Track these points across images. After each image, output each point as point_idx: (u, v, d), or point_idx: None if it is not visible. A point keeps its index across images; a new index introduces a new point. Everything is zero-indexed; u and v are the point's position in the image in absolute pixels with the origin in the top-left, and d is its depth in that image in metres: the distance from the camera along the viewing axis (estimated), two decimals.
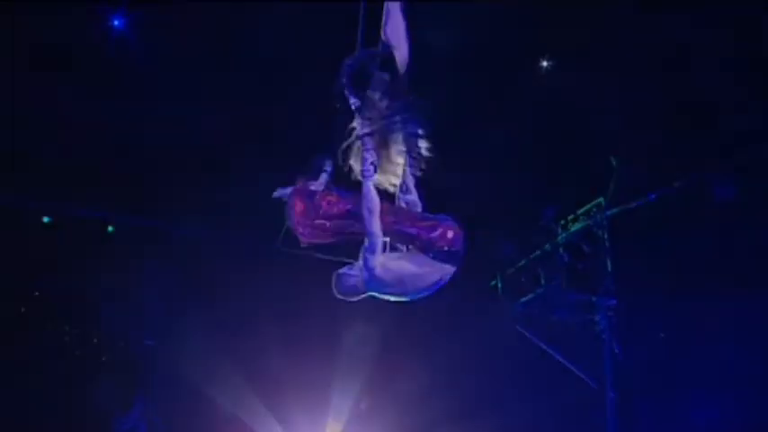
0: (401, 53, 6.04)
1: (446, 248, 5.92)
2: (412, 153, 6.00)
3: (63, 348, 11.10)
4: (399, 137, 5.94)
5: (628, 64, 9.87)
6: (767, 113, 9.72)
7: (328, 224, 5.96)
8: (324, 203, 5.93)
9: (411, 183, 6.12)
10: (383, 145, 5.89)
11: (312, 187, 5.99)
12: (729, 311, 10.09)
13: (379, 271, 5.84)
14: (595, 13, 9.57)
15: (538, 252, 10.82)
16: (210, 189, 10.42)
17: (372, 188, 5.79)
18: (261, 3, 9.29)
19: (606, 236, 10.41)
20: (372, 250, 5.80)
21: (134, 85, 9.76)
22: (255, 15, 9.43)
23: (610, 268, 10.38)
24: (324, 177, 6.00)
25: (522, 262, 10.96)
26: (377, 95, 5.88)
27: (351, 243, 6.06)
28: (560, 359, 10.82)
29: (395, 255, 5.97)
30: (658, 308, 10.62)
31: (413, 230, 5.93)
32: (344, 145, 5.91)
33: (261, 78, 9.82)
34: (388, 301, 6.16)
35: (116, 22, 9.51)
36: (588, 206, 10.53)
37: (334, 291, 6.13)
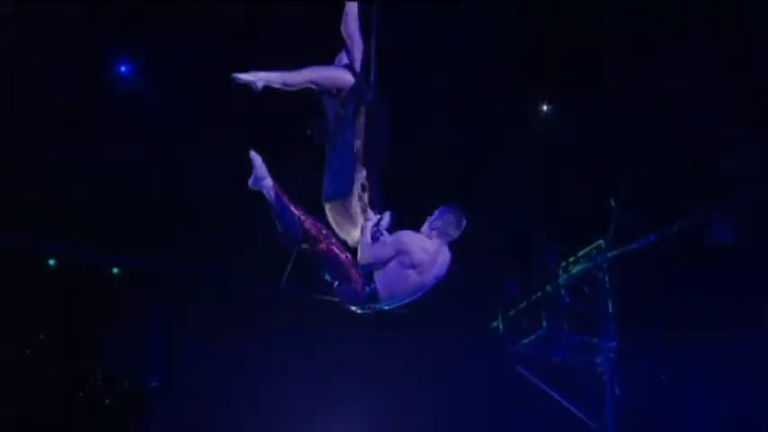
0: (357, 50, 6.04)
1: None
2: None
3: (67, 389, 11.10)
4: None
5: (628, 106, 9.98)
6: (765, 156, 9.83)
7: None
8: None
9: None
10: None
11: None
12: (731, 352, 10.12)
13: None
14: (595, 55, 9.68)
15: (539, 293, 10.86)
16: (214, 230, 10.49)
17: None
18: (265, 46, 9.42)
19: (607, 278, 10.46)
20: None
21: (140, 128, 9.87)
22: (261, 58, 9.53)
23: (611, 310, 10.41)
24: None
25: (524, 303, 11.00)
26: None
27: None
28: (562, 400, 10.83)
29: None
30: (660, 349, 10.65)
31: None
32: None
33: (265, 120, 9.91)
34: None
35: (122, 68, 9.63)
36: (588, 248, 10.58)
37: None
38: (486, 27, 9.38)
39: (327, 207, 5.93)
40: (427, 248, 5.84)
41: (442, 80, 9.66)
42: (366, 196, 5.93)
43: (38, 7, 8.78)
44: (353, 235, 5.91)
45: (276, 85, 5.90)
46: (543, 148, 10.43)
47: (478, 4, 9.17)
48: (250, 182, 5.76)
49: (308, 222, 5.74)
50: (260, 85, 5.83)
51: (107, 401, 11.17)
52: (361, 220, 5.90)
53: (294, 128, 9.47)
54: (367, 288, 5.79)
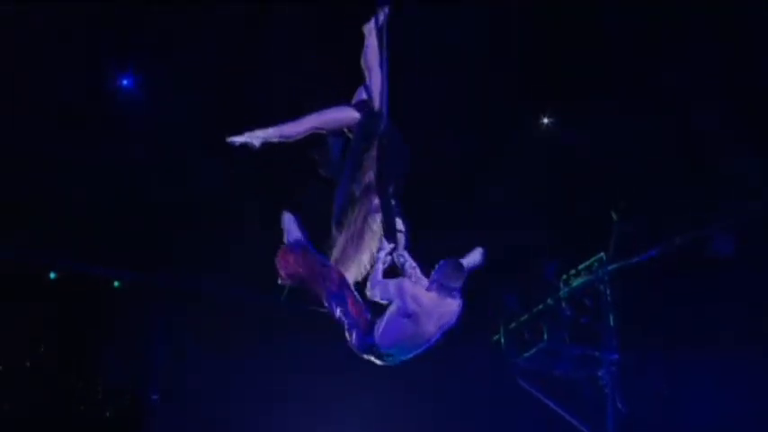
0: (376, 78, 6.05)
1: None
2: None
3: (67, 403, 11.08)
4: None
5: (630, 117, 9.99)
6: (766, 169, 9.84)
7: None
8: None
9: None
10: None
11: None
12: (733, 364, 10.10)
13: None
14: (596, 60, 9.70)
15: (540, 306, 10.85)
16: (217, 243, 10.49)
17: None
18: (267, 55, 9.46)
19: (608, 291, 10.46)
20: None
21: (142, 140, 9.89)
22: (263, 66, 9.57)
23: (612, 323, 10.40)
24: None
25: (525, 316, 10.99)
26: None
27: None
28: (564, 414, 10.80)
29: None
30: (661, 362, 10.63)
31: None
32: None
33: (268, 125, 9.90)
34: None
35: (125, 81, 9.66)
36: (589, 261, 10.58)
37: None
38: (485, 31, 9.39)
39: (337, 239, 5.93)
40: (421, 300, 5.71)
41: (442, 86, 9.68)
42: (380, 226, 5.90)
43: (38, 9, 8.81)
44: (364, 265, 5.90)
45: (276, 140, 5.91)
46: (543, 159, 10.45)
47: (478, 7, 9.19)
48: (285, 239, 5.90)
49: (333, 272, 5.78)
50: (257, 143, 5.84)
51: (107, 414, 11.15)
52: (372, 250, 5.89)
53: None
54: (368, 336, 5.74)
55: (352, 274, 5.90)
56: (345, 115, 6.00)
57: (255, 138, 5.85)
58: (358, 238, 5.90)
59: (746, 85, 9.54)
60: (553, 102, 10.27)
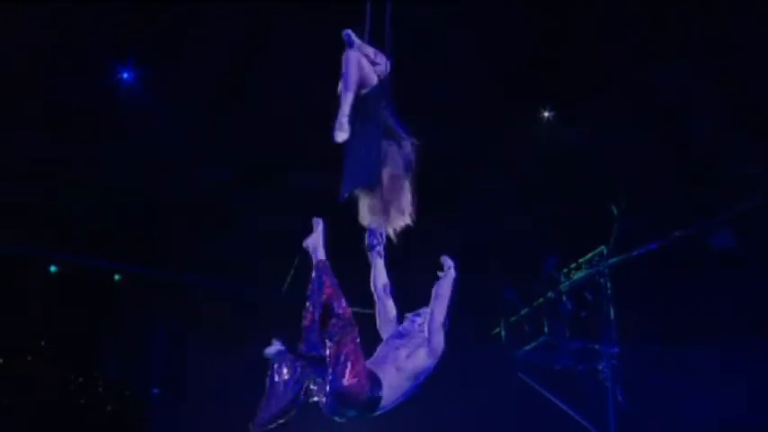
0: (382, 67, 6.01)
1: None
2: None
3: (68, 397, 11.09)
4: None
5: (629, 113, 10.00)
6: (766, 164, 9.85)
7: None
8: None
9: None
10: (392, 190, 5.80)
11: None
12: (732, 359, 10.12)
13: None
14: (596, 62, 9.71)
15: (541, 300, 10.86)
16: (217, 237, 10.50)
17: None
18: (263, 55, 9.46)
19: (609, 284, 10.46)
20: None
21: (142, 135, 9.89)
22: (258, 66, 9.58)
23: (612, 316, 10.41)
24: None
25: (526, 310, 11.00)
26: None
27: None
28: (564, 407, 10.81)
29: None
30: (662, 355, 10.64)
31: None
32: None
33: (265, 127, 9.93)
34: None
35: (125, 75, 9.64)
36: (590, 255, 10.59)
37: None
38: (485, 33, 9.40)
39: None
40: None
41: (444, 86, 9.69)
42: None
43: (37, 11, 8.80)
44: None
45: None
46: (545, 153, 10.45)
47: (478, 10, 9.20)
48: (305, 241, 5.69)
49: (341, 307, 5.61)
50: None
51: (108, 407, 11.16)
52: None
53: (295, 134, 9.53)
54: (370, 392, 5.55)
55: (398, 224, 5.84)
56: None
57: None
58: (395, 190, 5.81)
59: (744, 89, 9.55)
60: (555, 98, 10.27)
